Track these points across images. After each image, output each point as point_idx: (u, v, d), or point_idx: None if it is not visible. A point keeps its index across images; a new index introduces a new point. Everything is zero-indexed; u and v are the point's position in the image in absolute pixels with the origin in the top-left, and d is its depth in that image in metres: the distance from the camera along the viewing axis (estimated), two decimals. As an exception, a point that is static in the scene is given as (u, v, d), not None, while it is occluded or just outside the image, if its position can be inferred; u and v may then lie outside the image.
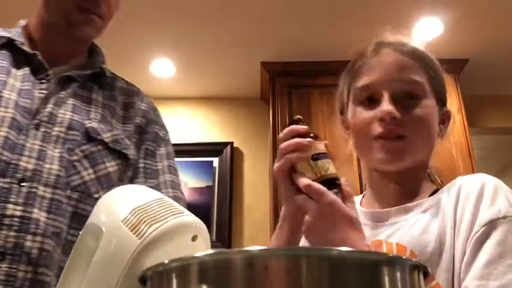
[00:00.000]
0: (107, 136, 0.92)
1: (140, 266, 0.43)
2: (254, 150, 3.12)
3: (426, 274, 0.37)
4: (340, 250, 0.32)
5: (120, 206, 0.47)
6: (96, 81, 1.00)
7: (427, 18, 2.55)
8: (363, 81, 0.85)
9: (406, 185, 0.83)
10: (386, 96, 0.80)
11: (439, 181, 0.88)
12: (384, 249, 0.75)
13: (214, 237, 2.82)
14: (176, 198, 0.94)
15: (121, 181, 0.92)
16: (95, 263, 0.45)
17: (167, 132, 1.09)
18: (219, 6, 2.49)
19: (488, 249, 0.66)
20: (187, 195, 2.97)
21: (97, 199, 0.81)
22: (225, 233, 2.83)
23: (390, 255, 0.35)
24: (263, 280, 0.31)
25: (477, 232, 0.68)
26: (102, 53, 1.08)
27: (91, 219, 0.48)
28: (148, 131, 1.03)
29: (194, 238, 0.47)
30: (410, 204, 0.80)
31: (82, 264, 0.46)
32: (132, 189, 0.53)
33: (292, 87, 2.85)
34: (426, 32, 2.64)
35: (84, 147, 0.88)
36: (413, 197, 0.82)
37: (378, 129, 0.79)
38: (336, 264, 0.32)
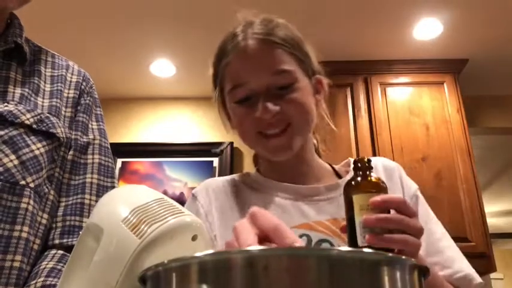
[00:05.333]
0: (27, 117, 0.82)
1: (140, 266, 0.43)
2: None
3: (426, 274, 0.37)
4: (340, 250, 0.32)
5: (120, 206, 0.47)
6: (14, 57, 0.88)
7: (427, 18, 2.55)
8: (232, 82, 0.84)
9: (302, 162, 0.89)
10: (261, 95, 0.81)
11: (322, 149, 0.97)
12: (334, 228, 0.80)
13: (214, 237, 2.82)
14: (100, 187, 0.88)
15: (52, 163, 0.84)
16: (95, 263, 0.45)
17: (100, 106, 1.00)
18: (219, 7, 2.49)
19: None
20: (188, 195, 2.97)
21: (24, 186, 0.77)
22: (225, 233, 2.83)
23: (390, 255, 0.35)
24: (263, 280, 0.31)
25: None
26: (20, 25, 0.93)
27: (91, 219, 0.48)
28: (81, 103, 0.94)
29: (194, 238, 0.47)
30: (336, 183, 0.87)
31: (82, 264, 0.46)
32: (132, 189, 0.53)
33: (292, 87, 2.85)
34: (426, 32, 2.64)
35: (2, 133, 0.78)
36: (310, 170, 0.89)
37: (261, 125, 0.82)
38: (336, 264, 0.32)
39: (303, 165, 0.90)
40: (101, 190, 0.88)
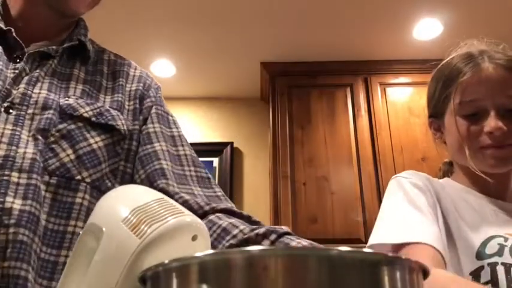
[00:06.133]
0: (86, 110, 0.82)
1: (140, 266, 0.43)
2: (254, 150, 3.12)
3: (426, 274, 0.37)
4: (340, 250, 0.32)
5: (120, 206, 0.47)
6: (78, 56, 0.91)
7: (427, 19, 2.56)
8: (467, 96, 0.93)
9: (504, 181, 0.97)
10: (492, 113, 0.90)
11: None
12: None
13: (214, 237, 2.82)
14: (201, 178, 0.88)
15: (114, 157, 0.84)
16: (95, 263, 0.45)
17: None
18: (220, 7, 2.49)
19: None
20: (187, 195, 2.97)
21: (79, 181, 0.77)
22: (225, 233, 2.83)
23: (390, 255, 0.35)
24: (263, 280, 0.31)
25: None
26: (85, 26, 0.97)
27: (91, 219, 0.48)
28: (150, 95, 0.95)
29: (194, 238, 0.47)
30: None
31: (82, 265, 0.46)
32: (132, 189, 0.53)
33: (292, 87, 2.85)
34: (426, 32, 2.64)
35: (61, 126, 0.79)
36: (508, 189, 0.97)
37: (486, 141, 0.90)
38: (336, 264, 0.32)
39: (510, 183, 0.98)
40: (201, 181, 0.88)
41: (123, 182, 0.85)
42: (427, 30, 2.63)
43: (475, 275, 0.83)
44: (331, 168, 2.62)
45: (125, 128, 0.86)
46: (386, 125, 2.71)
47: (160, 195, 0.50)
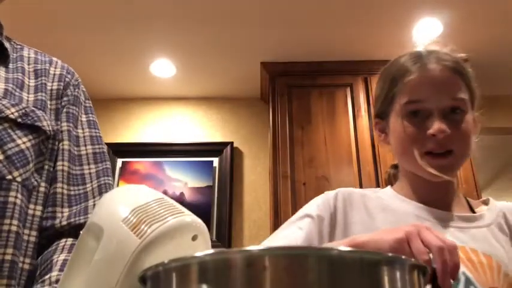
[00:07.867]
0: (12, 112, 0.82)
1: (140, 265, 0.43)
2: (254, 150, 3.12)
3: (425, 274, 0.37)
4: (340, 250, 0.33)
5: (120, 205, 0.47)
6: None
7: (427, 18, 2.56)
8: (411, 96, 0.90)
9: (445, 189, 0.93)
10: (436, 114, 0.87)
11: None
12: (473, 257, 0.81)
13: (214, 237, 2.82)
14: (101, 171, 0.92)
15: (39, 156, 0.85)
16: (96, 263, 0.45)
17: (88, 99, 1.01)
18: (219, 7, 2.49)
19: None
20: (188, 195, 2.97)
21: (11, 181, 0.77)
22: (225, 233, 2.83)
23: (390, 255, 0.35)
24: (263, 280, 0.31)
25: None
26: (0, 24, 0.94)
27: (92, 219, 0.49)
28: (68, 94, 0.95)
29: (194, 238, 0.47)
30: (471, 215, 0.90)
31: (83, 264, 0.46)
32: (132, 189, 0.53)
33: (292, 87, 2.85)
34: (426, 32, 2.64)
35: None
36: (451, 197, 0.93)
37: (429, 144, 0.86)
38: (336, 264, 0.32)
39: (448, 192, 0.93)
40: (101, 174, 0.92)
41: (47, 180, 0.86)
42: (427, 30, 2.63)
43: None
44: (331, 168, 2.62)
45: (50, 128, 0.87)
46: (386, 125, 2.71)
47: (160, 195, 0.50)
